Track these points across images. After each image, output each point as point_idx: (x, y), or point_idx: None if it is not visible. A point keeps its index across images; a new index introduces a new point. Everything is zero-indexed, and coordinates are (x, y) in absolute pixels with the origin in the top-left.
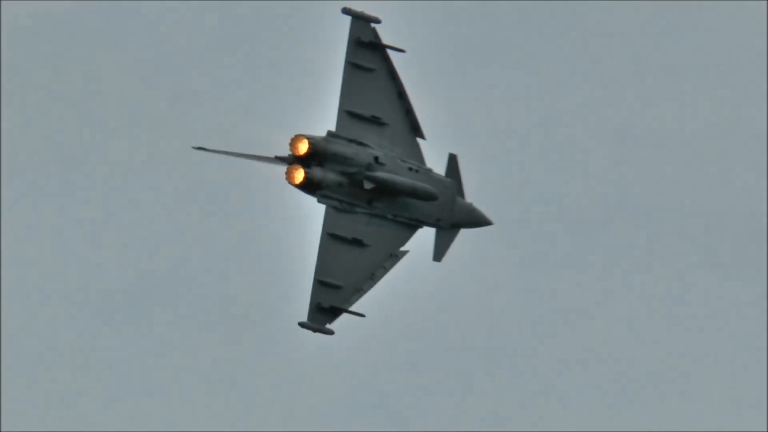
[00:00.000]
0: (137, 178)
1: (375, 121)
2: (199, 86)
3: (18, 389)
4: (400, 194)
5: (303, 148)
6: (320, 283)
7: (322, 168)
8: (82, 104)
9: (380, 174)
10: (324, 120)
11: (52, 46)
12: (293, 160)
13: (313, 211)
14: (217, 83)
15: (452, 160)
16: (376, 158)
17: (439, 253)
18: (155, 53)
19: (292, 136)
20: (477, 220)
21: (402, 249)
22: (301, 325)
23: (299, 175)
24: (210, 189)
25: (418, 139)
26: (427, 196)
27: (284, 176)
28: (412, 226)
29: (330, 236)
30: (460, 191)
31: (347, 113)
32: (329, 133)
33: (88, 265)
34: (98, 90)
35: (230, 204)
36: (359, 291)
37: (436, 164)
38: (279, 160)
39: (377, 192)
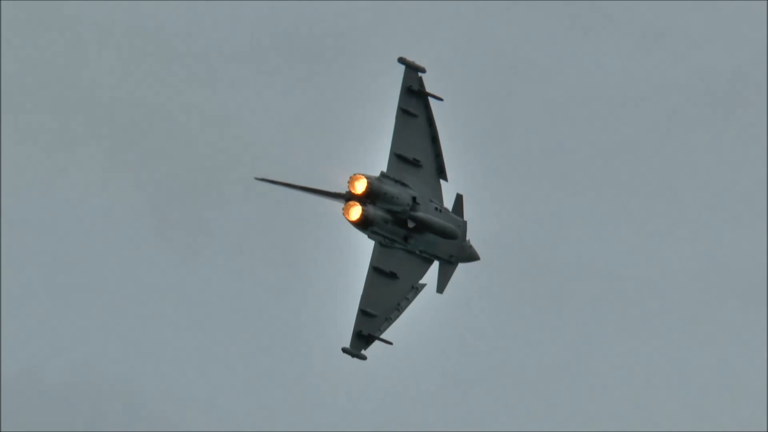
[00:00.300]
0: (197, 205)
1: (415, 164)
2: (263, 122)
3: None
4: (431, 232)
5: (361, 187)
6: (362, 313)
7: (374, 206)
8: (144, 138)
9: (420, 214)
10: (369, 159)
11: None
12: (350, 197)
13: (350, 241)
14: (281, 120)
15: (458, 201)
16: (414, 198)
17: (442, 286)
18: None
19: (352, 175)
20: (471, 256)
21: (421, 282)
22: (344, 350)
23: (357, 212)
24: (266, 219)
25: (441, 181)
26: (451, 235)
27: (341, 212)
28: (430, 261)
29: (374, 269)
30: None
31: (396, 155)
32: (382, 174)
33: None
34: (162, 124)
35: (284, 233)
36: (389, 320)
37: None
38: (336, 195)
39: (414, 230)
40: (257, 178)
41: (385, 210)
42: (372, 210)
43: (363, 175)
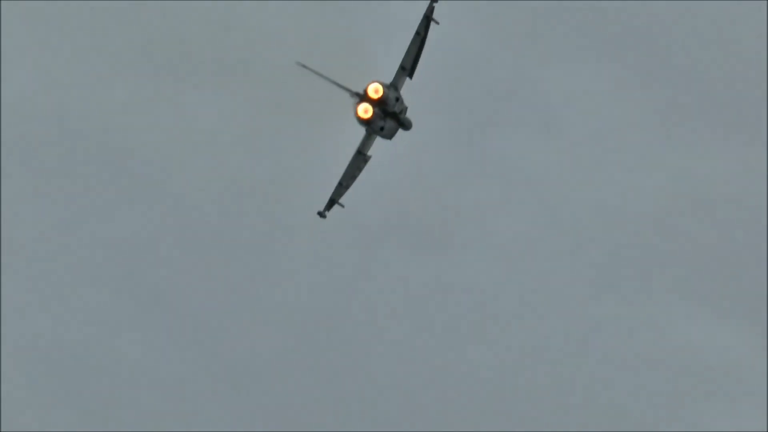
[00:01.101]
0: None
1: (405, 70)
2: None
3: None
4: (401, 126)
5: (377, 94)
6: (339, 185)
7: (377, 107)
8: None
9: (404, 117)
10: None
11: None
12: (363, 98)
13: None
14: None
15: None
16: (397, 98)
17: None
18: None
19: (372, 82)
20: None
21: (368, 154)
22: (318, 213)
23: (369, 113)
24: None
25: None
26: (409, 127)
27: (355, 109)
28: (375, 137)
29: (358, 152)
30: None
31: (401, 67)
32: (391, 83)
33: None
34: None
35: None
36: (347, 187)
37: None
38: (356, 94)
39: (391, 123)
40: (298, 63)
41: (381, 109)
42: (377, 113)
43: (380, 83)
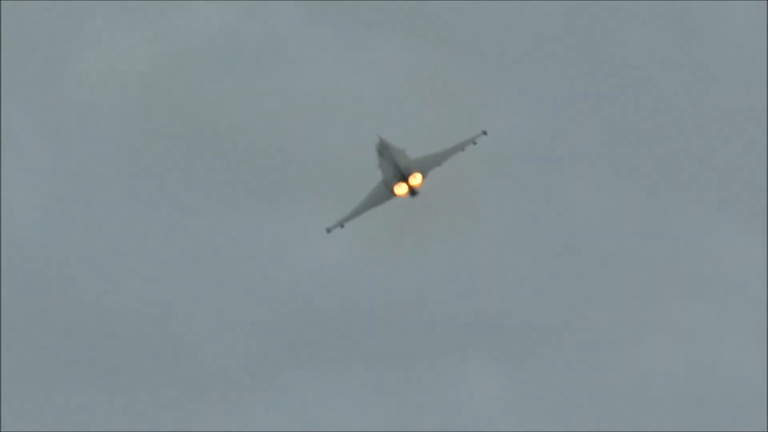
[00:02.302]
0: None
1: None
2: None
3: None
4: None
5: (416, 182)
6: (352, 215)
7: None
8: None
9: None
10: None
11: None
12: (404, 179)
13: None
14: None
15: None
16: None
17: None
18: None
19: (415, 173)
20: None
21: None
22: (327, 229)
23: (404, 191)
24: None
25: None
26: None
27: (396, 186)
28: None
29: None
30: None
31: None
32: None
33: None
34: None
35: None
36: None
37: None
38: (399, 174)
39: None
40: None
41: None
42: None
43: (421, 175)
